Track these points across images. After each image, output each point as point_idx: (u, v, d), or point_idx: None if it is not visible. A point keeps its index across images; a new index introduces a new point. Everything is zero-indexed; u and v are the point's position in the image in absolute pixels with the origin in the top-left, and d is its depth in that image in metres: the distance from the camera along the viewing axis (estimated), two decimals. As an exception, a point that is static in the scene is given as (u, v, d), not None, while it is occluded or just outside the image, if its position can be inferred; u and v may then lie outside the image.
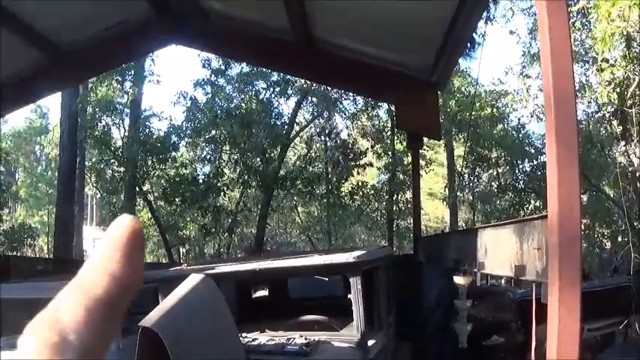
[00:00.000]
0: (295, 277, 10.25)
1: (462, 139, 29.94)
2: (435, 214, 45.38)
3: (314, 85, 26.68)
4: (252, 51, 14.61)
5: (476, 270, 7.70)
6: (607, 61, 15.13)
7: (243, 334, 7.89)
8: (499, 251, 6.59)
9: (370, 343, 7.77)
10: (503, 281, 17.56)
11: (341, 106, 30.44)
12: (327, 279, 9.76)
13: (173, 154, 28.25)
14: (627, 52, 15.25)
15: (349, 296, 7.77)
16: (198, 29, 14.14)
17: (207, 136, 28.10)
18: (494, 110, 30.38)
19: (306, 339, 7.51)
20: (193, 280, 6.81)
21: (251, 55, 15.48)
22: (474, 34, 16.46)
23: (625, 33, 14.35)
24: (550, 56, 4.58)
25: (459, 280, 9.53)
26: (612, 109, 17.74)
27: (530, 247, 5.29)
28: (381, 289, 8.88)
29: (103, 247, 0.79)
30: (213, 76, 28.21)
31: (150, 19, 13.40)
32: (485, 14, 16.48)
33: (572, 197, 4.39)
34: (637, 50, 15.84)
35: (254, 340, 7.92)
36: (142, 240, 0.82)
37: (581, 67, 20.86)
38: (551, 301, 4.41)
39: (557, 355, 4.29)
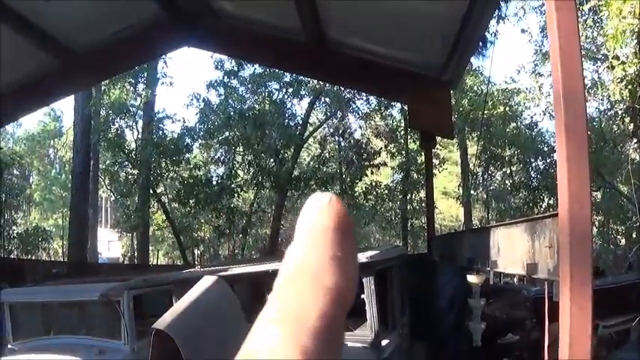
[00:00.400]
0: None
1: (475, 138, 29.84)
2: (449, 212, 45.33)
3: (327, 85, 26.67)
4: (264, 51, 14.65)
5: (489, 268, 7.71)
6: (618, 58, 15.06)
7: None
8: (511, 249, 6.60)
9: (384, 342, 7.79)
10: (516, 279, 17.53)
11: (354, 106, 30.44)
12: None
13: (187, 155, 28.43)
14: (639, 49, 15.18)
15: (362, 296, 7.78)
16: (210, 30, 14.20)
17: (220, 138, 28.11)
18: (507, 109, 30.29)
19: (319, 339, 7.50)
20: (206, 282, 6.84)
21: (263, 55, 15.50)
22: (486, 33, 16.49)
23: (636, 30, 14.30)
24: (559, 54, 4.58)
25: (472, 278, 9.53)
26: (624, 106, 17.65)
27: (541, 245, 5.30)
28: (394, 288, 8.89)
29: (307, 244, 0.62)
30: (226, 77, 28.20)
31: (161, 21, 13.44)
32: (496, 13, 16.46)
33: (583, 196, 4.39)
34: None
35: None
36: (352, 231, 0.65)
37: (594, 64, 20.77)
38: (563, 300, 4.41)
39: (569, 353, 4.30)
